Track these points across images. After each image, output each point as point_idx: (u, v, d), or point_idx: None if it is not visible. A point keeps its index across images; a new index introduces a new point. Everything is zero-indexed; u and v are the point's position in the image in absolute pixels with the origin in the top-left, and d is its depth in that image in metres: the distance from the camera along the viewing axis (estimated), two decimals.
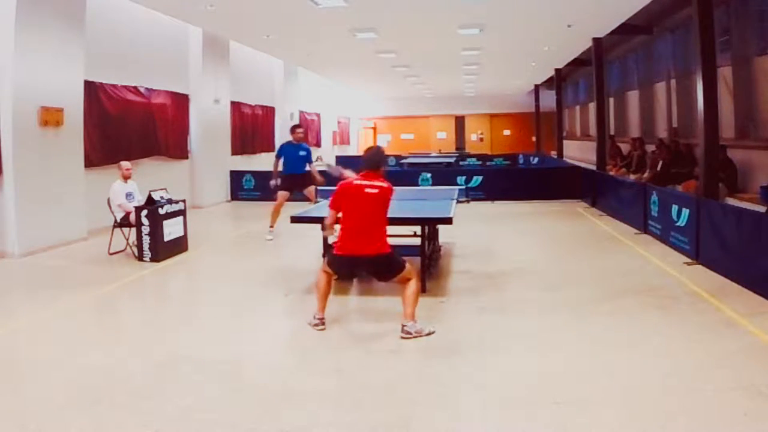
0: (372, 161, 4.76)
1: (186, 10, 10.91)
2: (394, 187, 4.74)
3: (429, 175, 14.09)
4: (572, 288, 5.99)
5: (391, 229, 6.89)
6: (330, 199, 4.85)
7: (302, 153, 9.07)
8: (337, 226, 4.79)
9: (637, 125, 16.20)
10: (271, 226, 8.93)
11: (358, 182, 4.65)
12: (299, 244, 8.29)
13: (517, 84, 25.56)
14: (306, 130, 21.22)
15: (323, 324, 4.75)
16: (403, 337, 4.50)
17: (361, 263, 4.69)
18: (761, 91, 9.52)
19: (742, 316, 4.84)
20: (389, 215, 6.36)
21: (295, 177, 9.00)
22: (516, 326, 4.88)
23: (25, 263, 7.54)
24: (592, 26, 12.58)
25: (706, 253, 6.65)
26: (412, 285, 4.65)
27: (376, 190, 4.60)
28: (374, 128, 33.80)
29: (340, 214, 4.72)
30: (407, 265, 4.70)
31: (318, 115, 23.46)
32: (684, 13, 11.55)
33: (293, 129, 9.38)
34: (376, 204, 4.60)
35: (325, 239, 5.97)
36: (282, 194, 8.92)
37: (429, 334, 4.57)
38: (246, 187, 14.50)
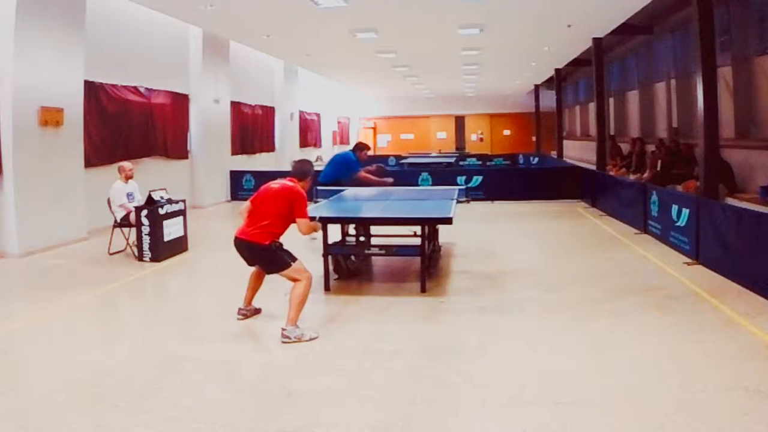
0: (296, 169, 5.04)
1: (186, 10, 10.91)
2: (304, 195, 4.88)
3: (429, 175, 14.09)
4: (572, 288, 5.99)
5: (391, 229, 6.93)
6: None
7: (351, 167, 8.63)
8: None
9: (637, 125, 16.20)
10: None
11: (271, 182, 4.98)
12: (299, 245, 8.27)
13: (517, 84, 25.56)
14: (306, 130, 21.30)
15: (245, 316, 5.08)
16: (283, 342, 4.47)
17: (242, 247, 4.89)
18: (761, 91, 9.52)
19: (742, 316, 4.84)
20: (389, 215, 6.40)
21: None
22: (516, 326, 4.88)
23: (25, 263, 7.54)
24: (592, 26, 12.59)
25: (706, 253, 6.65)
26: (299, 287, 4.65)
27: (278, 186, 4.87)
28: (374, 128, 33.81)
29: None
30: (294, 265, 4.72)
31: (318, 115, 23.47)
32: (684, 13, 11.55)
33: (364, 148, 8.94)
34: (274, 198, 4.80)
35: (325, 239, 5.97)
36: None
37: (310, 339, 4.52)
38: (246, 187, 14.49)
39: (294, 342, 4.47)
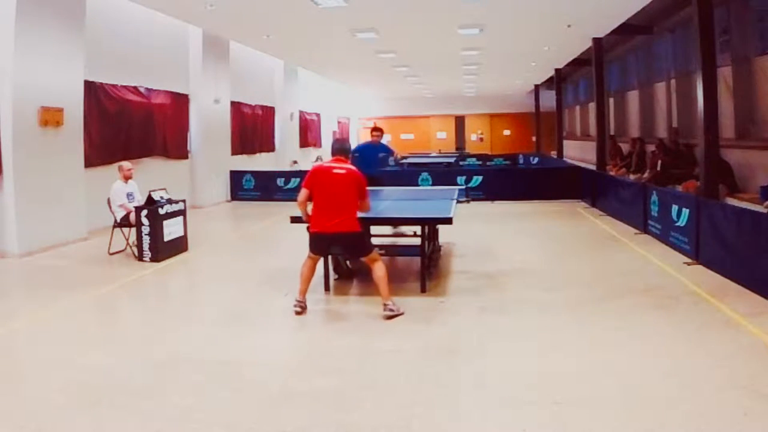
0: (341, 149, 5.28)
1: (186, 10, 10.92)
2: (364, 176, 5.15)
3: (429, 175, 14.09)
4: (572, 288, 5.99)
5: (390, 229, 6.93)
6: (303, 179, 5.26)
7: (381, 155, 9.13)
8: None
9: (637, 125, 16.20)
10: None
11: (328, 164, 5.15)
12: (299, 245, 8.27)
13: (517, 84, 25.56)
14: (306, 130, 21.30)
15: (302, 308, 5.12)
16: (388, 316, 4.95)
17: (335, 240, 5.09)
18: (761, 91, 9.52)
19: (742, 316, 4.84)
20: (389, 215, 6.41)
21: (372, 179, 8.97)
22: (516, 326, 4.88)
23: (25, 263, 7.54)
24: (592, 26, 12.59)
25: (706, 253, 6.65)
26: (381, 267, 5.09)
27: (343, 171, 5.06)
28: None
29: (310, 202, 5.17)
30: (375, 249, 5.22)
31: (318, 115, 23.47)
32: (684, 13, 11.55)
33: (371, 131, 9.37)
34: (343, 184, 5.02)
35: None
36: None
37: (400, 314, 5.02)
38: (246, 187, 14.50)
39: (397, 314, 4.98)
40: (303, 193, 5.13)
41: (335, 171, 5.06)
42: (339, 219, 4.99)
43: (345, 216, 5.00)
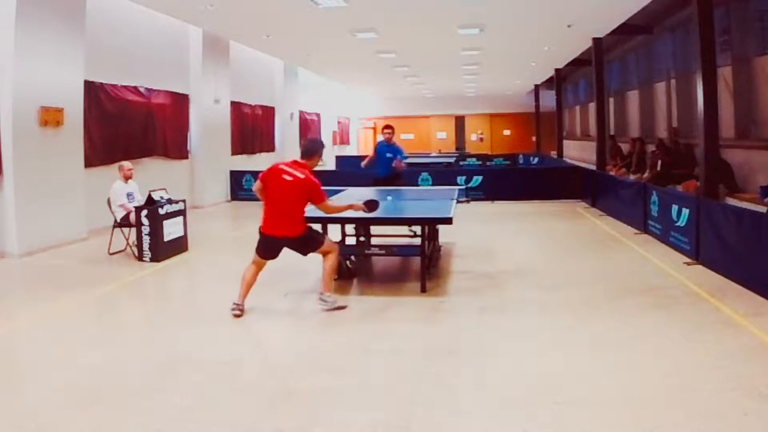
0: (304, 151, 5.26)
1: (186, 10, 10.92)
2: (317, 182, 5.06)
3: (429, 175, 14.09)
4: (572, 288, 5.99)
5: (391, 229, 6.93)
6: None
7: (389, 155, 8.79)
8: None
9: (637, 125, 16.20)
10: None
11: (283, 167, 5.10)
12: None
13: (517, 84, 25.56)
14: (306, 131, 21.29)
15: (241, 311, 5.13)
16: (322, 307, 5.13)
17: (277, 242, 5.15)
18: (761, 91, 9.52)
19: (742, 316, 4.84)
20: (389, 215, 6.40)
21: (378, 179, 8.89)
22: (516, 326, 4.88)
23: (25, 263, 7.54)
24: (592, 26, 12.59)
25: (706, 253, 6.65)
26: (333, 258, 5.21)
27: (291, 178, 5.01)
28: (374, 128, 33.80)
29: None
30: (326, 239, 5.32)
31: (318, 115, 23.46)
32: (684, 13, 11.55)
33: (383, 129, 9.20)
34: (288, 192, 5.01)
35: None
36: None
37: (340, 308, 5.17)
38: (246, 187, 14.48)
39: (331, 308, 5.13)
40: (256, 184, 5.17)
41: (284, 176, 5.02)
42: (281, 223, 5.05)
43: (287, 221, 5.05)
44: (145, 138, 11.26)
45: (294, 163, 5.12)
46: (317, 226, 5.65)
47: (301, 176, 5.02)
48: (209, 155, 13.59)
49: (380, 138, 9.29)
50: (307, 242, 5.19)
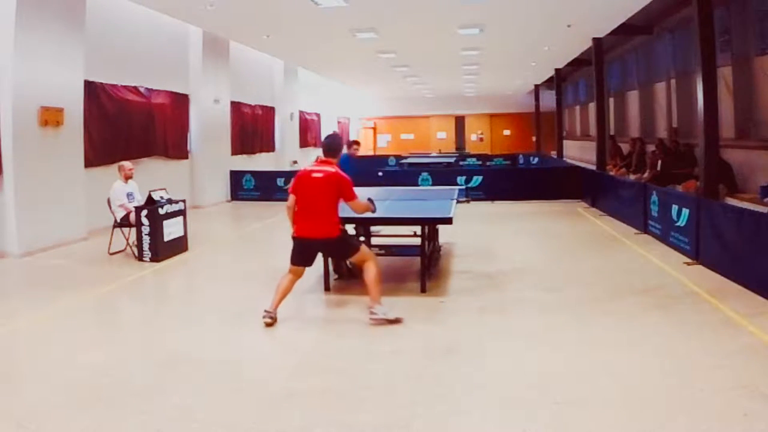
0: (327, 148, 5.10)
1: (186, 10, 10.92)
2: (347, 177, 4.92)
3: (429, 175, 14.09)
4: (572, 288, 5.99)
5: (391, 229, 6.92)
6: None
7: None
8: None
9: (637, 125, 16.20)
10: None
11: (311, 168, 4.99)
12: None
13: (517, 84, 25.56)
14: (306, 130, 21.29)
15: (273, 319, 4.89)
16: (372, 321, 4.80)
17: (312, 245, 4.96)
18: (761, 91, 9.51)
19: (742, 316, 4.84)
20: (389, 215, 6.40)
21: None
22: (516, 326, 4.88)
23: (25, 263, 7.54)
24: (592, 26, 12.58)
25: (706, 253, 6.65)
26: (372, 267, 4.93)
27: (321, 174, 4.88)
28: (374, 128, 33.81)
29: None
30: (362, 247, 5.08)
31: (318, 115, 23.46)
32: (684, 13, 11.54)
33: (349, 144, 8.82)
34: (320, 188, 4.86)
35: None
36: None
37: (395, 320, 4.84)
38: (246, 187, 14.50)
39: (382, 320, 4.79)
40: (290, 198, 5.02)
41: (314, 175, 4.90)
42: (316, 224, 4.87)
43: (323, 221, 4.87)
44: (145, 138, 11.26)
45: (320, 162, 5.01)
46: None
47: (332, 170, 4.91)
48: (209, 155, 13.59)
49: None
50: (344, 246, 5.03)
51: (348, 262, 6.51)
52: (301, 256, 5.00)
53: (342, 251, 5.09)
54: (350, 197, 4.91)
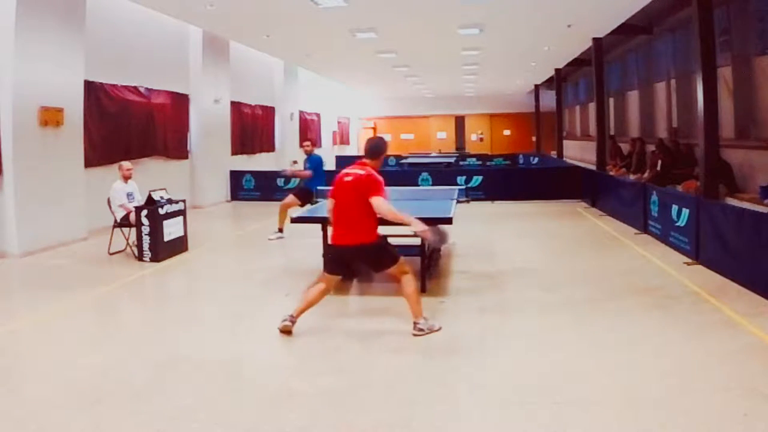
0: (367, 150, 4.80)
1: (186, 10, 10.92)
2: (376, 177, 4.58)
3: (429, 175, 14.09)
4: (572, 288, 5.99)
5: (391, 229, 6.91)
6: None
7: (308, 165, 8.86)
8: None
9: (637, 125, 16.20)
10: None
11: (344, 171, 4.72)
12: (300, 245, 8.28)
13: (517, 84, 25.57)
14: (306, 130, 21.28)
15: (292, 323, 4.64)
16: (416, 335, 4.56)
17: (347, 253, 4.66)
18: (761, 91, 9.52)
19: (742, 316, 4.84)
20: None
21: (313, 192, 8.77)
22: (516, 326, 4.88)
23: (25, 263, 7.54)
24: (592, 26, 12.59)
25: (706, 253, 6.65)
26: (411, 281, 4.65)
27: (351, 177, 4.60)
28: (374, 128, 33.81)
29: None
30: (401, 258, 4.70)
31: (318, 115, 23.46)
32: (684, 13, 11.55)
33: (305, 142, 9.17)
34: (349, 191, 4.58)
35: (324, 239, 5.97)
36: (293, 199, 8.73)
37: (439, 329, 4.67)
38: (246, 187, 14.50)
39: (427, 333, 4.58)
40: (329, 203, 4.83)
41: (345, 179, 4.62)
42: (349, 230, 4.57)
43: (356, 226, 4.55)
44: (145, 138, 11.26)
45: (357, 164, 4.70)
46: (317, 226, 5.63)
47: (362, 172, 4.58)
48: (209, 155, 13.59)
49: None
50: (381, 255, 4.64)
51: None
52: (334, 264, 4.75)
53: (378, 260, 4.66)
54: (373, 193, 4.48)
